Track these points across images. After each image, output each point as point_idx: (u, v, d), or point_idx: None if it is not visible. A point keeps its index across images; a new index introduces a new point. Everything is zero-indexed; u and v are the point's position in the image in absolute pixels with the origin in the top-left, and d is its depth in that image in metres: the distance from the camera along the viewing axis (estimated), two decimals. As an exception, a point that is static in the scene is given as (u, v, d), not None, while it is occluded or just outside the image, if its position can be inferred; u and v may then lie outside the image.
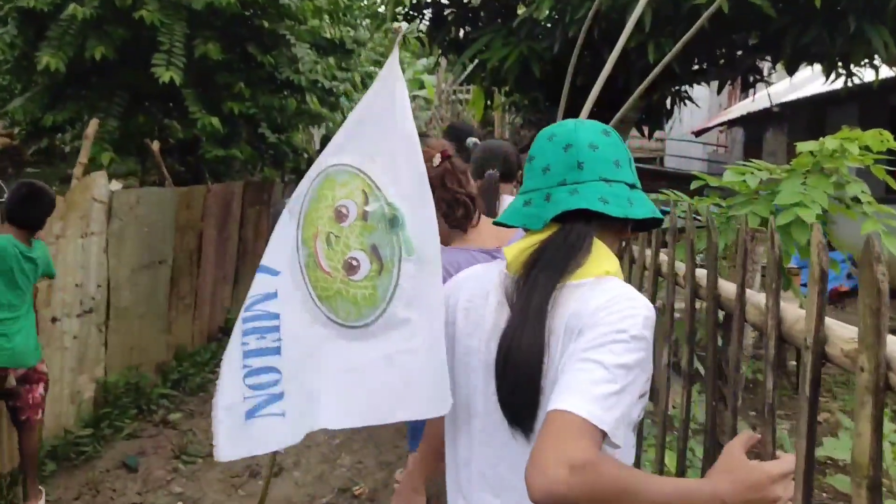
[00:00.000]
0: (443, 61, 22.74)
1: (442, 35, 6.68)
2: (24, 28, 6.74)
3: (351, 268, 1.42)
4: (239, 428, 1.52)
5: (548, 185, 1.31)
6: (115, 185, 5.27)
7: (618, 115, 4.32)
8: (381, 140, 1.47)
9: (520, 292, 1.26)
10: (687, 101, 7.23)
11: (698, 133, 15.92)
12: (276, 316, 1.50)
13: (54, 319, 4.27)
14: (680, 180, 15.47)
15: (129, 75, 6.96)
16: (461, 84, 21.58)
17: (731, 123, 14.89)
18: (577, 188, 1.28)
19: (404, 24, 7.10)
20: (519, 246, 1.32)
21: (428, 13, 6.87)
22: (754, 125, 13.90)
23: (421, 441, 1.77)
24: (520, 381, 1.22)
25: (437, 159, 2.04)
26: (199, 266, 6.35)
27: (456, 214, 2.06)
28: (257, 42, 7.33)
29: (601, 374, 1.10)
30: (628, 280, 2.65)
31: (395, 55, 1.53)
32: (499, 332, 1.27)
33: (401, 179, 1.42)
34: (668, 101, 6.98)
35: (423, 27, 7.04)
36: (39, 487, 3.78)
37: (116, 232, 4.90)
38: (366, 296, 1.40)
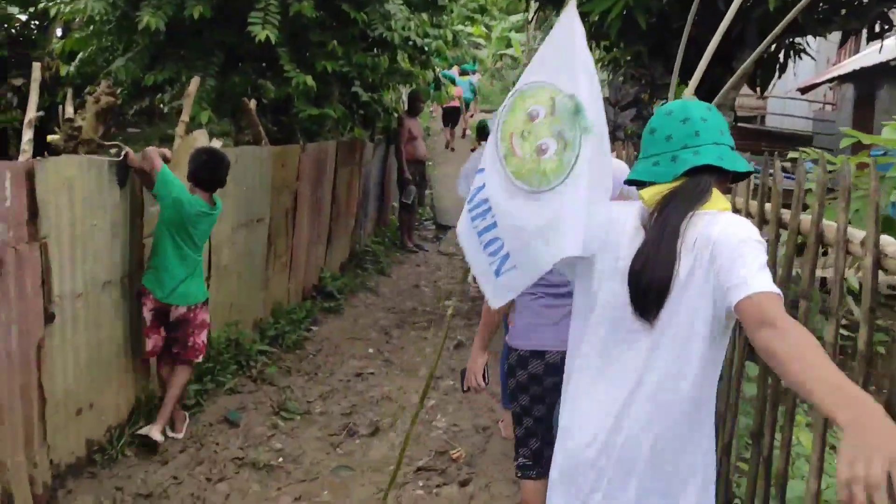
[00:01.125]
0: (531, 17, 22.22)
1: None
2: (126, -13, 6.84)
3: (541, 151, 1.84)
4: (495, 284, 1.94)
5: (672, 149, 1.77)
6: (216, 144, 5.31)
7: (741, 69, 4.01)
8: (563, 62, 1.90)
9: (656, 221, 1.71)
10: (802, 55, 6.73)
11: (805, 90, 14.96)
12: (486, 200, 1.95)
13: (160, 276, 4.34)
14: (783, 140, 14.60)
15: (225, 34, 7.00)
16: (550, 41, 21.04)
17: (840, 79, 13.94)
18: (697, 150, 1.74)
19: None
20: (653, 190, 1.78)
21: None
22: (866, 81, 12.93)
23: (481, 324, 2.83)
24: (652, 283, 1.67)
25: None
26: (294, 225, 6.39)
27: None
28: (350, -1, 7.22)
29: (760, 262, 1.57)
30: (775, 248, 2.46)
31: (572, 4, 1.94)
32: (634, 249, 1.73)
33: (580, 88, 1.83)
34: (782, 54, 6.52)
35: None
36: (184, 413, 4.23)
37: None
38: (553, 167, 1.81)
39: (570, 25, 1.91)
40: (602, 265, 1.80)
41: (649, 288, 1.67)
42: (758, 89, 6.66)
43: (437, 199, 11.37)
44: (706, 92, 4.34)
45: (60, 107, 6.38)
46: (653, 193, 1.77)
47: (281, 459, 4.04)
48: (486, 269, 1.95)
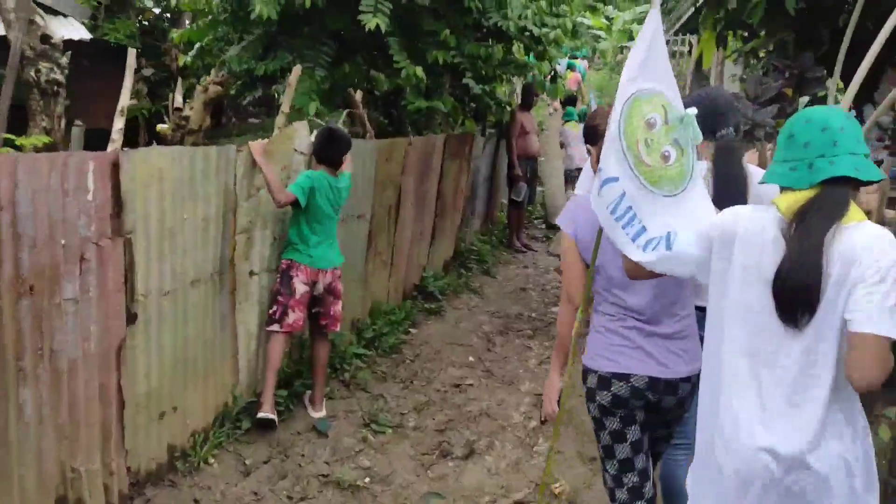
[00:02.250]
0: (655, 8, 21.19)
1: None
2: (239, -23, 6.77)
3: (665, 158, 2.03)
4: (671, 259, 2.03)
5: (809, 156, 1.82)
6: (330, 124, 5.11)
7: None
8: (660, 70, 2.09)
9: (797, 231, 1.77)
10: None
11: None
12: (630, 207, 2.05)
13: (252, 273, 4.15)
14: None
15: (336, 23, 6.81)
16: (676, 34, 19.96)
17: None
18: (833, 160, 1.79)
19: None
20: (790, 199, 1.83)
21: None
22: None
23: (557, 346, 2.65)
24: (798, 295, 1.74)
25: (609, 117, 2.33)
26: (397, 222, 6.12)
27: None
28: (464, -15, 6.87)
29: (884, 301, 1.66)
30: None
31: (655, 14, 2.11)
32: (777, 258, 1.79)
33: (677, 97, 2.11)
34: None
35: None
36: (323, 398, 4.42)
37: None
38: (678, 172, 2.04)
39: (657, 25, 2.09)
40: (743, 272, 1.87)
41: (795, 299, 1.76)
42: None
43: (549, 197, 10.85)
44: (861, 88, 3.70)
45: (171, 96, 6.41)
46: (790, 203, 1.83)
47: (368, 479, 3.76)
48: (658, 256, 2.05)
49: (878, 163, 5.05)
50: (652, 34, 2.07)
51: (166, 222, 3.39)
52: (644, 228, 2.05)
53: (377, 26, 6.02)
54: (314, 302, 4.30)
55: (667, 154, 2.04)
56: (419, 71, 6.42)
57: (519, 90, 9.77)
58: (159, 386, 3.46)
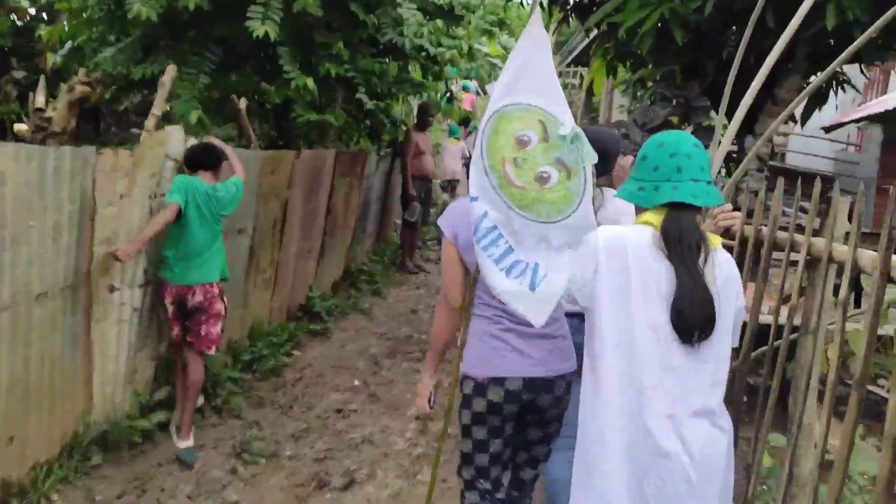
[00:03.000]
0: (550, 42, 21.79)
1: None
2: (117, -26, 6.35)
3: (542, 179, 1.83)
4: (533, 300, 1.87)
5: (656, 179, 1.97)
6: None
7: (795, 101, 3.45)
8: (542, 81, 1.87)
9: (681, 263, 1.90)
10: (845, 86, 6.18)
11: (829, 129, 14.42)
12: (495, 227, 1.87)
13: (112, 289, 3.78)
14: (805, 179, 14.09)
15: (223, 29, 6.49)
16: (568, 65, 20.54)
17: (869, 120, 13.36)
18: (677, 185, 1.95)
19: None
20: (652, 217, 1.96)
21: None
22: (896, 123, 12.35)
23: (431, 347, 2.63)
24: (698, 323, 1.87)
25: None
26: (282, 238, 5.83)
27: None
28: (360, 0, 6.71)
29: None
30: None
31: (537, 14, 1.92)
32: (669, 282, 1.90)
33: (565, 112, 1.88)
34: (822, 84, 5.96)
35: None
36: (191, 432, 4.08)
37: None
38: (561, 196, 1.83)
39: (540, 37, 1.88)
40: (643, 289, 1.90)
41: (695, 325, 1.87)
42: (797, 123, 6.09)
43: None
44: (742, 120, 3.78)
45: (31, 95, 5.88)
46: (653, 221, 1.95)
47: (234, 515, 3.44)
48: (517, 290, 1.88)
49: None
50: (530, 46, 1.88)
51: (6, 229, 3.00)
52: (511, 249, 1.88)
53: (266, 35, 5.77)
54: (186, 318, 4.03)
55: (545, 175, 1.82)
56: (310, 82, 6.19)
57: (416, 109, 9.69)
58: (-8, 413, 3.05)
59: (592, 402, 1.96)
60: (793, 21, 3.20)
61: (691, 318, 1.86)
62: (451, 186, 11.66)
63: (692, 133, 5.34)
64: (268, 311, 5.82)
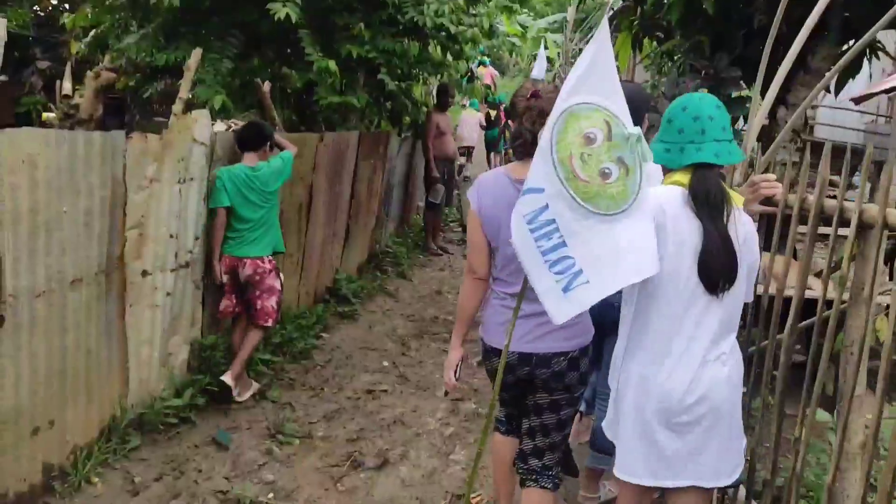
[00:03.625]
0: (570, 17, 21.51)
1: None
2: (138, -40, 6.34)
3: (604, 175, 1.98)
4: (561, 300, 2.03)
5: (682, 141, 2.17)
6: (220, 126, 4.78)
7: (830, 72, 3.35)
8: (606, 86, 2.01)
9: (709, 219, 2.11)
10: (880, 54, 6.02)
11: (858, 100, 14.11)
12: (553, 220, 2.00)
13: (145, 273, 3.79)
14: (833, 152, 13.86)
15: (245, 13, 6.47)
16: (588, 42, 20.25)
17: (899, 90, 13.04)
18: (701, 146, 2.14)
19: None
20: (681, 177, 2.18)
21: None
22: (929, 92, 12.03)
23: (458, 318, 2.71)
24: (723, 275, 2.11)
25: (528, 95, 2.51)
26: (308, 222, 5.83)
27: (516, 143, 2.55)
28: (380, -21, 6.66)
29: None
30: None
31: (604, 21, 2.05)
32: (693, 232, 2.12)
33: (626, 114, 2.04)
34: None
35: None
36: (252, 381, 4.48)
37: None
38: (620, 191, 1.99)
39: (606, 44, 2.02)
40: (676, 248, 2.11)
41: (720, 278, 2.10)
42: (830, 92, 5.95)
43: (466, 199, 10.73)
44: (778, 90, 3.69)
45: (58, 83, 5.92)
46: (682, 181, 2.16)
47: (271, 495, 3.46)
48: (551, 286, 2.05)
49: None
50: (597, 49, 2.02)
51: (40, 215, 3.02)
52: (564, 244, 2.02)
53: (288, 17, 5.74)
54: (242, 291, 4.39)
55: (607, 171, 1.99)
56: (332, 64, 6.16)
57: (434, 89, 9.62)
58: (31, 399, 3.08)
59: (624, 349, 2.27)
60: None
61: (716, 269, 2.07)
62: (468, 152, 12.17)
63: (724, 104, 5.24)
64: (296, 294, 5.83)
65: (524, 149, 2.49)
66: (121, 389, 3.71)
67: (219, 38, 6.55)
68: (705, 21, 5.24)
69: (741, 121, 5.44)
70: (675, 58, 6.45)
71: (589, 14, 21.56)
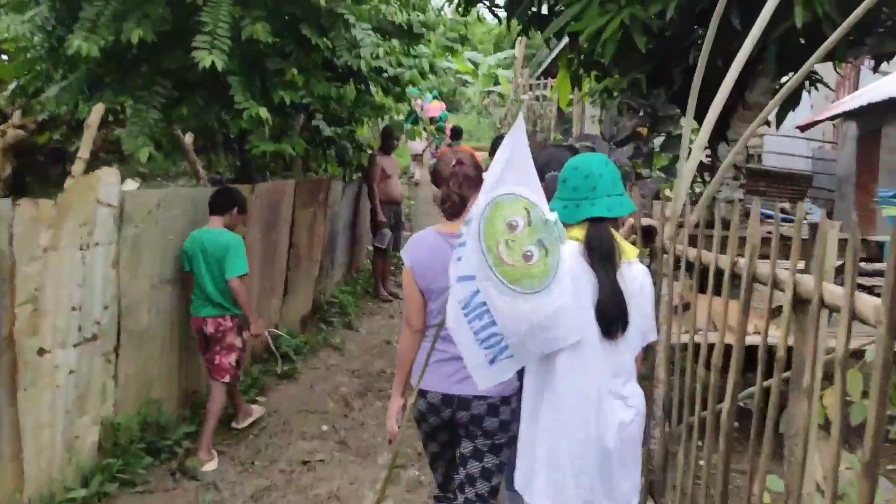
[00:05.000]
0: (520, 53, 21.67)
1: (523, 7, 5.63)
2: (57, 9, 6.05)
3: (527, 257, 2.18)
4: (486, 369, 2.28)
5: (577, 197, 2.39)
6: (131, 185, 4.49)
7: (770, 104, 3.20)
8: (523, 176, 2.25)
9: (600, 269, 2.31)
10: (818, 85, 5.98)
11: (804, 128, 14.28)
12: (484, 303, 2.21)
13: (42, 351, 3.45)
14: (782, 180, 13.94)
15: (171, 61, 6.19)
16: (538, 78, 20.40)
17: (844, 116, 13.25)
18: (594, 202, 2.36)
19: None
20: (577, 232, 2.37)
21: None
22: (872, 118, 12.21)
23: (398, 368, 2.93)
24: (615, 320, 2.29)
25: (451, 162, 2.80)
26: (240, 278, 5.50)
27: (444, 206, 2.77)
28: (312, 23, 6.45)
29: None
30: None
31: (520, 118, 2.35)
32: (592, 288, 2.31)
33: (542, 200, 2.27)
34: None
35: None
36: (213, 451, 4.39)
37: (131, 241, 4.09)
38: (541, 271, 2.19)
39: (522, 137, 2.22)
40: (577, 299, 2.26)
41: (614, 322, 2.29)
42: (770, 125, 5.87)
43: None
44: (714, 127, 3.55)
45: (-37, 141, 5.56)
46: (578, 236, 2.36)
47: None
48: (480, 360, 2.26)
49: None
50: (514, 143, 2.20)
51: None
52: (493, 323, 2.19)
53: (214, 65, 5.49)
54: (205, 347, 4.52)
55: (529, 253, 2.16)
56: (263, 111, 5.91)
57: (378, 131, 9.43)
58: None
59: (531, 390, 2.41)
60: (759, 19, 2.95)
61: (610, 314, 2.26)
62: (419, 159, 13.11)
63: (662, 143, 5.11)
64: (229, 355, 5.47)
65: (453, 209, 2.74)
66: (14, 483, 3.33)
67: (145, 86, 6.26)
68: (641, 58, 5.11)
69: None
70: (615, 95, 6.33)
71: (538, 49, 21.74)
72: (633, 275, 2.33)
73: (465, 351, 2.28)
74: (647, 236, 3.14)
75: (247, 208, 4.73)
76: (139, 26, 5.73)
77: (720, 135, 5.18)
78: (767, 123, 5.99)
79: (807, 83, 5.72)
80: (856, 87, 15.46)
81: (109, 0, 5.76)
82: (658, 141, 5.04)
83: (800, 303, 1.83)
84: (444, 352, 2.72)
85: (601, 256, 2.28)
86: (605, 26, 4.56)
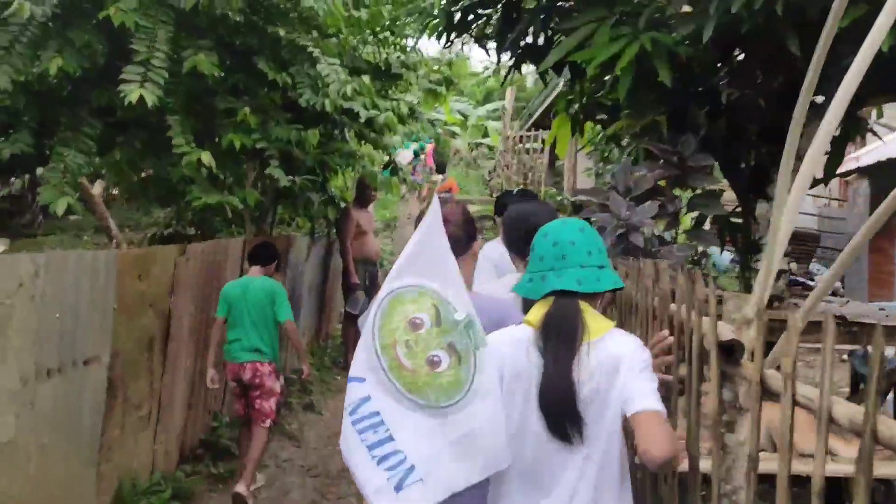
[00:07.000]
0: (510, 104, 21.01)
1: (515, 37, 4.71)
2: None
3: (433, 363, 1.86)
4: (392, 496, 1.84)
5: (543, 269, 1.98)
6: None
7: (812, 147, 2.21)
8: (436, 267, 1.92)
9: (548, 351, 1.88)
10: (868, 133, 5.08)
11: (812, 184, 13.52)
12: (377, 413, 1.86)
13: None
14: (789, 238, 13.11)
15: (100, 98, 5.26)
16: (529, 129, 19.67)
17: (857, 173, 12.48)
18: (561, 273, 1.94)
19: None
20: (536, 312, 1.95)
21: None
22: (886, 176, 11.42)
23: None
24: (558, 408, 1.84)
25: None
26: (164, 360, 4.44)
27: None
28: (270, 56, 5.54)
29: (652, 386, 1.82)
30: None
31: (435, 199, 2.09)
32: (538, 376, 1.89)
33: (459, 296, 1.90)
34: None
35: (488, 30, 5.11)
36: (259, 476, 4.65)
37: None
38: (451, 381, 1.85)
39: (437, 223, 1.92)
40: (523, 399, 1.90)
41: (560, 416, 1.84)
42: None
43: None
44: (754, 178, 2.57)
45: None
46: (536, 318, 1.93)
47: None
48: (382, 484, 1.85)
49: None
50: (427, 229, 1.92)
51: None
52: (391, 437, 1.83)
53: (142, 101, 4.55)
54: (245, 392, 4.63)
55: (436, 359, 1.83)
56: (206, 156, 4.96)
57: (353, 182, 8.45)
58: None
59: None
60: (869, 37, 1.97)
61: (552, 405, 1.85)
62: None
63: (691, 200, 4.14)
64: (150, 457, 4.39)
65: None
66: None
67: (70, 127, 5.31)
68: (659, 98, 4.18)
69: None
70: (623, 142, 5.39)
71: (528, 101, 21.12)
72: (609, 349, 1.86)
73: (359, 472, 1.86)
74: (727, 354, 1.91)
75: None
76: (61, 55, 4.85)
77: (758, 189, 4.21)
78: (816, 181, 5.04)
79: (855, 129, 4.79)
80: (863, 144, 14.75)
81: (27, 25, 4.86)
82: (686, 199, 4.07)
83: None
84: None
85: (557, 337, 1.87)
86: (620, 54, 3.61)
